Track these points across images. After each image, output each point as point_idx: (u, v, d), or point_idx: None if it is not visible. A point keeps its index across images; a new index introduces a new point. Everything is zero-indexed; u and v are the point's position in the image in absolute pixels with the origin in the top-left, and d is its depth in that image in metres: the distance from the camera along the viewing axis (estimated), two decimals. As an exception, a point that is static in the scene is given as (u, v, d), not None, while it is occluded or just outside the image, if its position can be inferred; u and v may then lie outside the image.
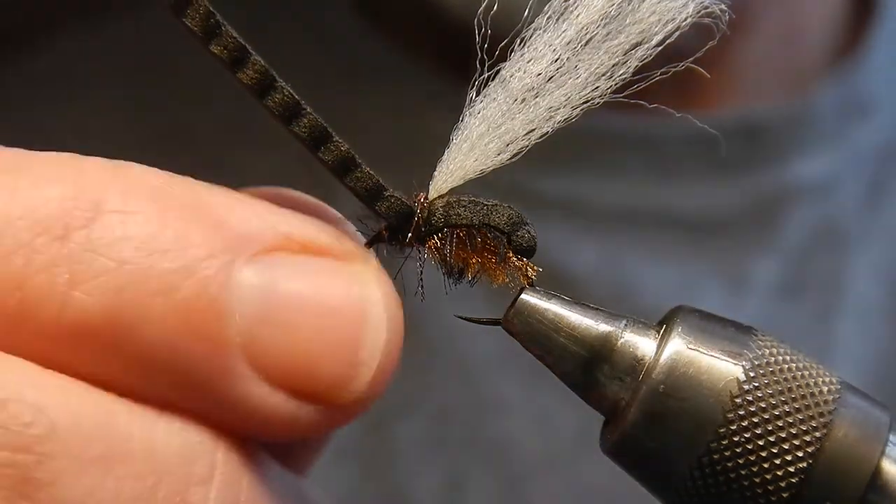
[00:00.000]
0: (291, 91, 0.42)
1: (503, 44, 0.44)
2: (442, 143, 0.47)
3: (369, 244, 0.44)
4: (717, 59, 0.93)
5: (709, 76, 0.46)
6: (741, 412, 0.41)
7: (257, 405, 0.38)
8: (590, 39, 0.44)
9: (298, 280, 0.38)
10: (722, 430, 0.40)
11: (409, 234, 0.45)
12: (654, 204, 0.93)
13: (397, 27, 0.95)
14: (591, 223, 0.92)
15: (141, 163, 0.40)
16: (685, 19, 0.44)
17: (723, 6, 0.44)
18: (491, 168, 0.46)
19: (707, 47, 0.42)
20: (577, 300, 0.44)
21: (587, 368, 0.43)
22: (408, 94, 0.92)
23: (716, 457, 0.41)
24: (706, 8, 0.44)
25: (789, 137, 0.94)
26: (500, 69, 0.45)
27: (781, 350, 0.42)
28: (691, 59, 0.46)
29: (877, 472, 0.41)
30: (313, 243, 0.40)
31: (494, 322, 0.45)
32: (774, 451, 0.40)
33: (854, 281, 0.94)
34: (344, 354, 0.38)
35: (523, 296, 0.44)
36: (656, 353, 0.42)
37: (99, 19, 1.03)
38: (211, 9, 0.41)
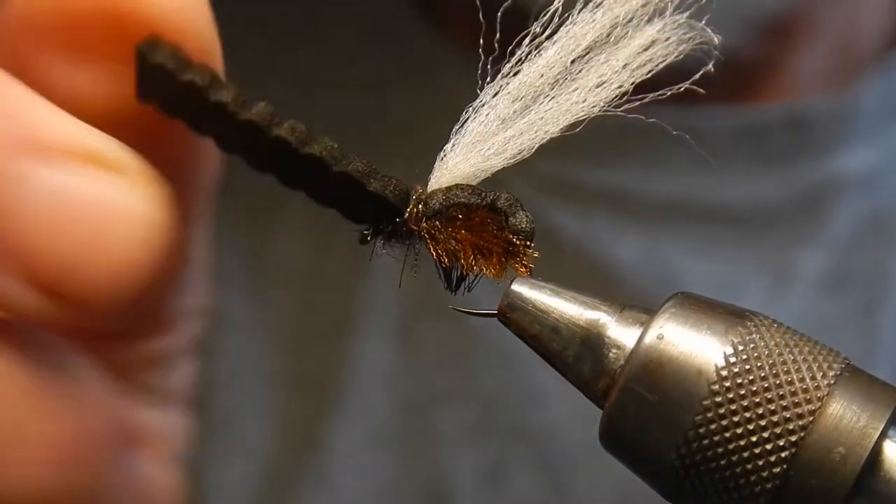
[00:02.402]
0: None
1: (506, 42, 0.45)
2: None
3: (367, 237, 0.45)
4: (772, 65, 0.93)
5: (712, 69, 0.46)
6: (717, 399, 0.40)
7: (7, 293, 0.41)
8: (589, 50, 0.45)
9: (65, 184, 0.41)
10: (699, 418, 0.40)
11: (406, 217, 0.45)
12: (700, 197, 0.91)
13: (458, 24, 0.95)
14: (637, 216, 0.91)
15: None
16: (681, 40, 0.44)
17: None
18: (492, 169, 0.47)
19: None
20: (571, 289, 0.44)
21: (578, 359, 0.43)
22: (468, 93, 0.92)
23: (694, 445, 0.40)
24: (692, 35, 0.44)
25: (835, 130, 0.91)
26: (501, 67, 0.46)
27: (768, 336, 0.41)
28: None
29: (875, 455, 0.40)
30: (91, 152, 0.41)
31: (490, 314, 0.46)
32: (754, 439, 0.40)
33: None
34: (94, 259, 0.41)
35: (514, 287, 0.44)
36: (636, 344, 0.42)
37: None
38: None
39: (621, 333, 0.43)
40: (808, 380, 0.40)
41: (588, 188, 0.92)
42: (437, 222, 0.46)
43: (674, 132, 0.45)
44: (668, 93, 0.45)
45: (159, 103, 0.45)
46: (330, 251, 0.44)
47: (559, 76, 0.45)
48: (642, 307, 0.44)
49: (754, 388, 0.40)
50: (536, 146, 0.46)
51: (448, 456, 0.89)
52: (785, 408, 0.40)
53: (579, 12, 0.44)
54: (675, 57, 0.43)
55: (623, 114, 0.45)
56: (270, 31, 0.95)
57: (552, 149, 1.01)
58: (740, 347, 0.41)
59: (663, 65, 0.43)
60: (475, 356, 0.90)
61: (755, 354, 0.41)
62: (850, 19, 0.96)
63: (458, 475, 0.89)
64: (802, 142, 0.93)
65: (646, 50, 0.44)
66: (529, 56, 0.46)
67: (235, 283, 0.92)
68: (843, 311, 0.91)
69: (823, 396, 0.40)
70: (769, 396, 0.40)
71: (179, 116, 0.45)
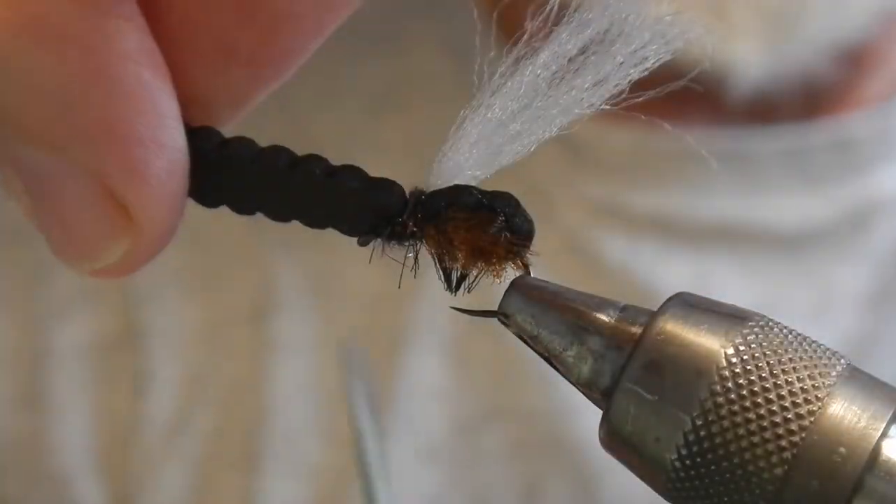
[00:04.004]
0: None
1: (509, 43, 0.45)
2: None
3: (366, 239, 0.45)
4: (842, 89, 0.94)
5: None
6: (718, 399, 0.40)
7: None
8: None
9: None
10: (699, 419, 0.40)
11: (405, 218, 0.45)
12: (746, 219, 0.92)
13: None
14: (683, 239, 0.92)
15: None
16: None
17: None
18: (491, 168, 0.46)
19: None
20: (571, 288, 0.44)
21: (578, 359, 0.43)
22: None
23: (694, 446, 0.40)
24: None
25: (880, 148, 0.93)
26: (501, 67, 0.46)
27: (768, 336, 0.41)
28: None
29: (876, 455, 0.39)
30: None
31: (490, 314, 0.45)
32: (755, 439, 0.39)
33: None
34: None
35: (514, 286, 0.44)
36: (636, 344, 0.41)
37: None
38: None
39: (622, 333, 0.42)
40: (808, 380, 0.40)
41: (633, 212, 0.93)
42: (437, 223, 0.45)
43: (708, 156, 0.45)
44: (665, 91, 0.44)
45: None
46: (390, 275, 0.43)
47: (556, 75, 0.45)
48: (643, 307, 0.43)
49: (755, 389, 0.40)
50: (535, 146, 0.46)
51: (493, 472, 0.90)
52: (785, 408, 0.40)
53: (575, 12, 0.44)
54: (672, 55, 0.43)
55: (671, 132, 0.46)
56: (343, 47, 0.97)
57: (601, 173, 1.02)
58: (741, 348, 0.41)
59: (658, 64, 0.43)
60: (514, 373, 0.91)
61: (755, 355, 0.40)
62: None
63: (502, 490, 0.90)
64: (848, 161, 0.94)
65: (642, 48, 0.43)
66: (526, 55, 0.45)
67: (298, 309, 0.94)
68: (888, 328, 0.92)
69: (824, 397, 0.40)
70: (769, 397, 0.40)
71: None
